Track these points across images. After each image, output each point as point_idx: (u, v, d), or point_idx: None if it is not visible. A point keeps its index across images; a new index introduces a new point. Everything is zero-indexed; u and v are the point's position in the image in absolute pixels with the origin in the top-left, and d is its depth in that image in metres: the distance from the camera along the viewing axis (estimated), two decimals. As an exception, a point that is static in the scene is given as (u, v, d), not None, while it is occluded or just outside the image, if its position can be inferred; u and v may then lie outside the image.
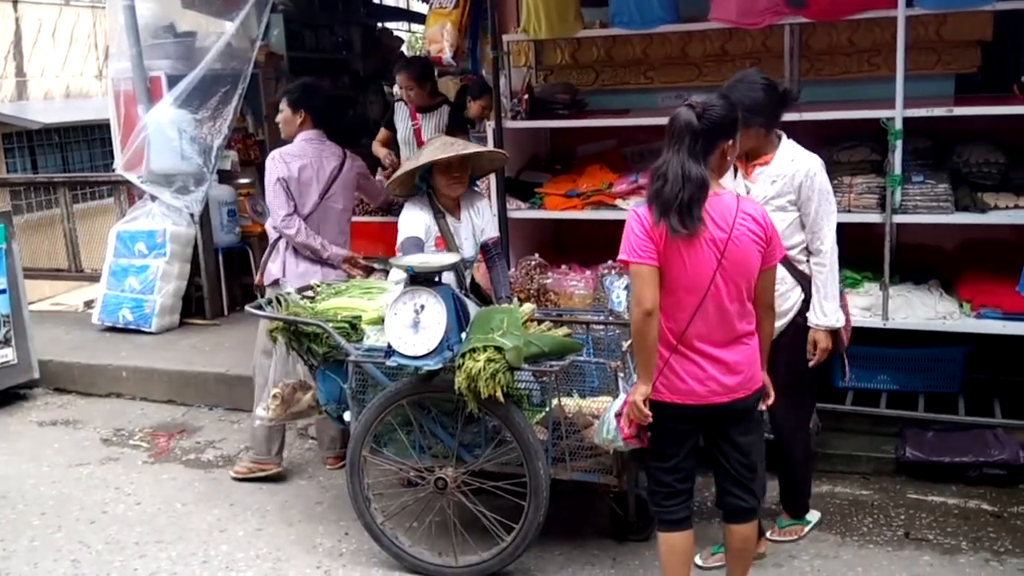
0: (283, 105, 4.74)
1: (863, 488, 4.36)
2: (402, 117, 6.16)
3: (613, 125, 5.33)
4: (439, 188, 4.12)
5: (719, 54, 5.35)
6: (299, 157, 4.63)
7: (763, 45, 5.21)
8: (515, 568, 3.75)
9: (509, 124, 5.16)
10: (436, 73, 6.81)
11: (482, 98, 6.19)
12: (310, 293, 4.28)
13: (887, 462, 4.47)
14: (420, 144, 5.93)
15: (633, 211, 3.03)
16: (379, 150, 6.30)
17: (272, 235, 4.75)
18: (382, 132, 6.36)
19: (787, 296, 3.61)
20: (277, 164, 4.60)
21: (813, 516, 4.02)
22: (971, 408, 4.58)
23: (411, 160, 4.17)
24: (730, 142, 3.03)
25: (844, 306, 3.72)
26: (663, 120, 4.69)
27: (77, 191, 8.35)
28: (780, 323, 3.50)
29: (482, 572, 3.72)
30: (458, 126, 6.05)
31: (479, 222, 4.27)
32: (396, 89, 6.11)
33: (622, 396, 3.44)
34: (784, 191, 3.57)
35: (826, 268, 3.58)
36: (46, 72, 16.68)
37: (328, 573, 3.88)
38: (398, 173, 4.16)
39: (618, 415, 3.23)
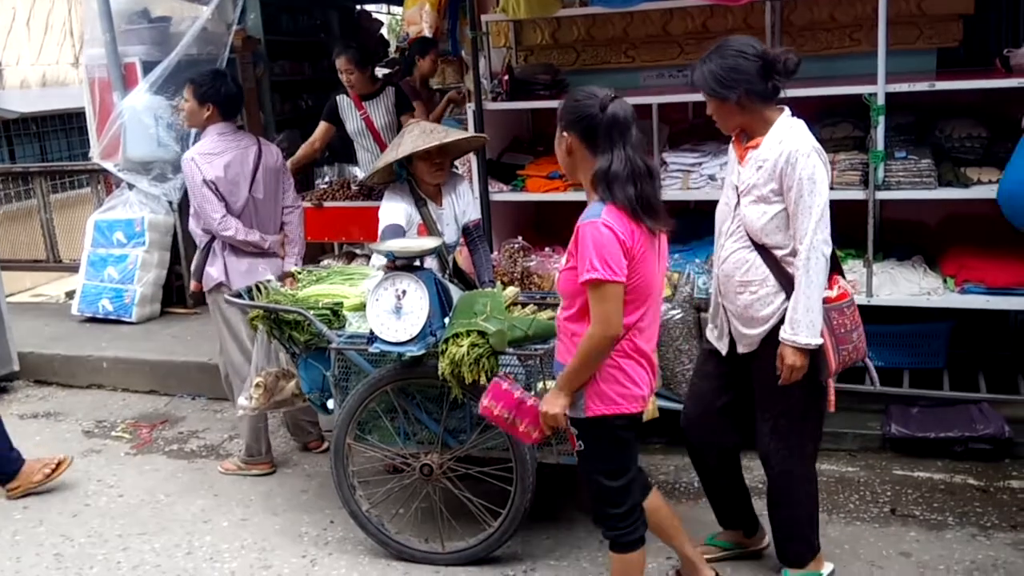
0: (188, 95, 4.46)
1: (849, 465, 4.37)
2: (348, 110, 5.90)
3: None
4: (420, 176, 4.07)
5: (700, 31, 5.31)
6: (220, 154, 4.41)
7: (744, 22, 5.17)
8: (502, 553, 3.74)
9: (489, 106, 5.11)
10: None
11: (429, 53, 6.07)
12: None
13: (873, 439, 4.47)
14: (374, 133, 5.83)
15: (600, 224, 2.70)
16: (304, 152, 5.97)
17: (201, 238, 4.54)
18: (321, 127, 5.98)
19: (767, 301, 3.09)
20: (199, 166, 4.36)
21: (826, 568, 3.41)
22: (956, 383, 4.59)
23: (391, 150, 4.10)
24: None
25: (841, 326, 3.07)
26: (646, 99, 4.75)
27: (54, 181, 8.25)
28: (758, 331, 3.13)
29: (469, 558, 3.70)
30: (407, 107, 5.92)
31: (461, 205, 4.23)
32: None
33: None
34: (767, 179, 3.03)
35: (800, 273, 2.99)
36: (22, 61, 16.46)
37: (314, 562, 3.86)
38: (378, 164, 4.11)
39: (512, 417, 2.97)
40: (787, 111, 3.08)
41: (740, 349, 3.25)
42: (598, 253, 2.68)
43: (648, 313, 2.88)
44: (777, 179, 3.02)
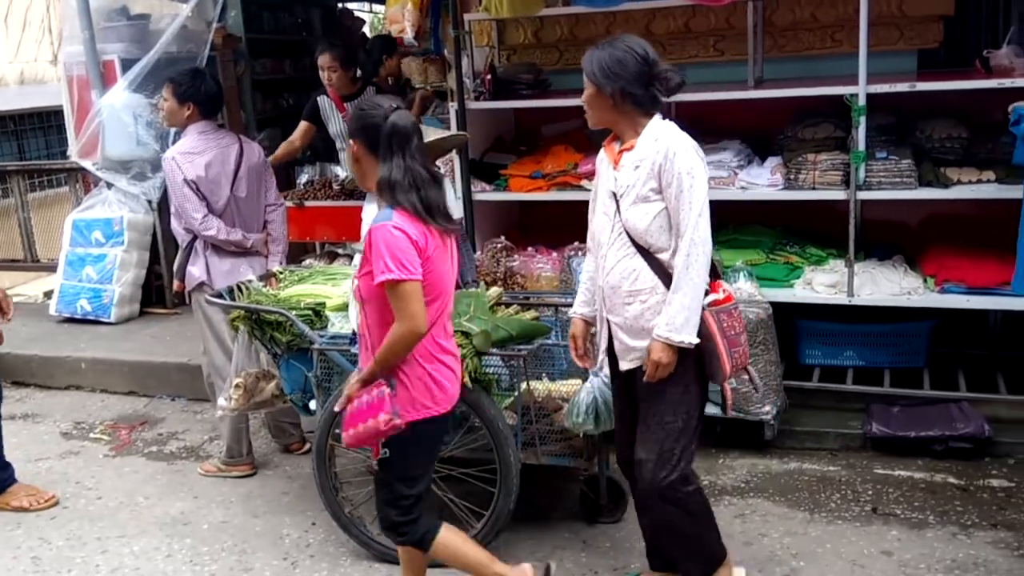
0: (168, 94, 4.39)
1: (831, 464, 4.38)
2: (329, 112, 5.85)
3: (578, 105, 5.16)
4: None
5: (683, 31, 5.32)
6: (201, 153, 4.37)
7: (727, 22, 5.19)
8: (485, 553, 3.72)
9: (472, 105, 5.10)
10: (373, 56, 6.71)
11: (396, 52, 5.93)
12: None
13: (854, 438, 4.49)
14: None
15: (391, 227, 2.79)
16: (283, 151, 5.88)
17: (183, 237, 4.49)
18: (302, 126, 5.91)
19: (657, 310, 2.95)
20: (180, 165, 4.32)
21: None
22: (936, 382, 4.62)
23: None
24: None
25: (731, 328, 2.97)
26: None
27: (32, 180, 8.16)
28: (647, 343, 2.97)
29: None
30: None
31: None
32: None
33: (591, 382, 3.39)
34: (646, 178, 2.95)
35: (679, 269, 2.89)
36: (-1, 58, 16.30)
37: (295, 564, 3.83)
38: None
39: (348, 424, 2.94)
40: (660, 117, 2.99)
41: (624, 365, 3.10)
42: (391, 254, 2.78)
43: (444, 310, 2.99)
44: (656, 176, 2.93)
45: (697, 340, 2.91)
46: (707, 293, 2.98)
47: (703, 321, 2.91)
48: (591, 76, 2.94)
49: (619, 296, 3.04)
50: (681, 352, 2.93)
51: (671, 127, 2.97)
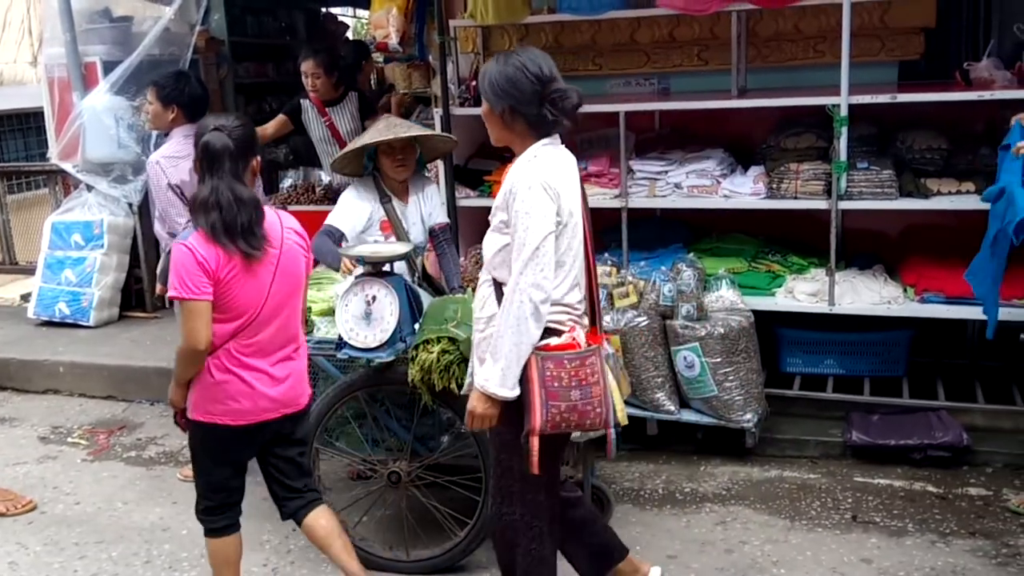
0: (152, 97, 4.40)
1: (811, 472, 4.41)
2: (312, 117, 5.79)
3: (562, 112, 5.27)
4: (384, 170, 4.05)
5: (668, 40, 5.34)
6: (186, 158, 4.23)
7: (711, 32, 5.22)
8: (467, 562, 3.72)
9: (457, 111, 5.10)
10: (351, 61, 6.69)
11: (369, 57, 5.91)
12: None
13: (834, 446, 4.52)
14: (339, 140, 5.76)
15: (182, 245, 2.90)
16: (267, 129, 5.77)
17: (167, 241, 4.42)
18: (279, 119, 5.84)
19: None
20: (164, 169, 4.29)
21: None
22: (915, 391, 4.66)
23: (356, 139, 4.08)
24: (257, 159, 3.13)
25: (556, 379, 2.68)
26: (613, 107, 4.77)
27: (11, 181, 8.08)
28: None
29: (434, 567, 3.68)
30: (371, 112, 5.87)
31: (428, 207, 4.21)
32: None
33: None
34: (500, 208, 2.80)
35: (500, 313, 2.71)
36: (-23, 59, 16.13)
37: (275, 571, 3.81)
38: (342, 152, 4.08)
39: None
40: (546, 141, 2.79)
41: (464, 390, 3.07)
42: (176, 272, 2.90)
43: (253, 329, 3.02)
44: (505, 210, 2.78)
45: (510, 394, 2.70)
46: (553, 334, 2.75)
47: (525, 365, 2.70)
48: (483, 92, 2.82)
49: (476, 319, 2.92)
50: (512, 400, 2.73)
51: (540, 158, 2.76)
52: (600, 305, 2.99)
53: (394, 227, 4.05)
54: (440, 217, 4.29)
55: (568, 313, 2.82)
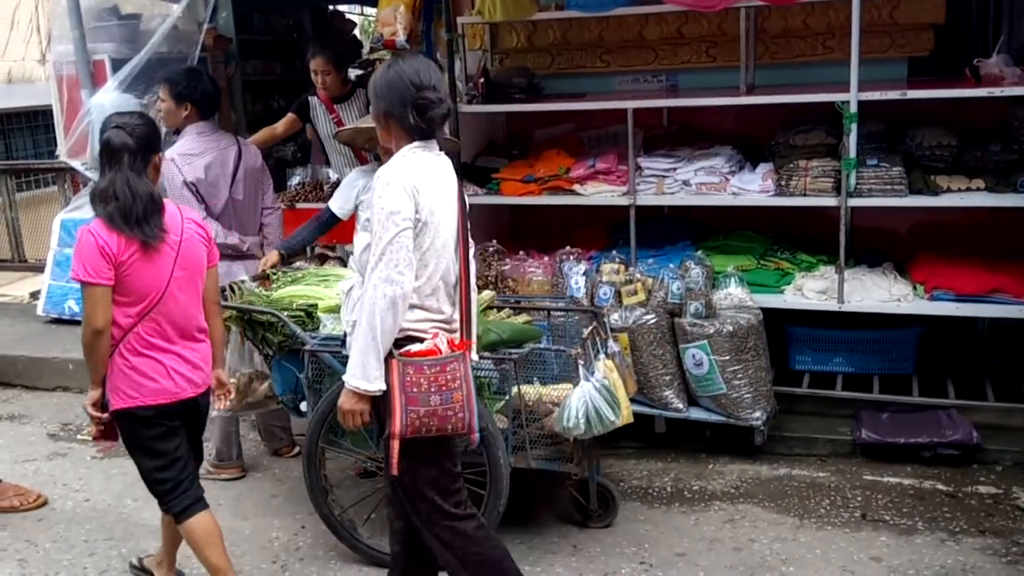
0: (164, 95, 4.38)
1: (820, 470, 4.40)
2: (320, 114, 5.77)
3: (570, 109, 5.29)
4: (382, 155, 4.11)
5: (676, 37, 5.33)
6: (200, 155, 4.36)
7: (719, 28, 5.21)
8: (475, 558, 3.71)
9: (465, 108, 5.10)
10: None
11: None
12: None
13: (843, 444, 4.51)
14: None
15: (87, 230, 3.12)
16: (266, 134, 5.79)
17: None
18: (288, 117, 5.82)
19: None
20: (180, 167, 4.31)
21: None
22: (925, 389, 4.64)
23: (361, 120, 4.19)
24: (159, 155, 3.31)
25: (415, 384, 2.70)
26: (620, 104, 4.77)
27: (20, 179, 8.11)
28: None
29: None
30: None
31: None
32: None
33: (581, 387, 3.43)
34: (365, 207, 2.92)
35: (359, 308, 2.76)
36: (-14, 57, 16.18)
37: (284, 568, 3.81)
38: (348, 127, 4.20)
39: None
40: (418, 144, 2.83)
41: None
42: (78, 256, 3.11)
43: (157, 313, 3.21)
44: (370, 208, 2.83)
45: (373, 388, 2.74)
46: (415, 341, 2.79)
47: (388, 370, 2.74)
48: (370, 94, 2.91)
49: (345, 320, 3.03)
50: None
51: (407, 158, 2.81)
52: (473, 314, 2.97)
53: None
54: None
55: (432, 320, 2.84)
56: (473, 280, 3.01)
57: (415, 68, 2.81)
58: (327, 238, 5.65)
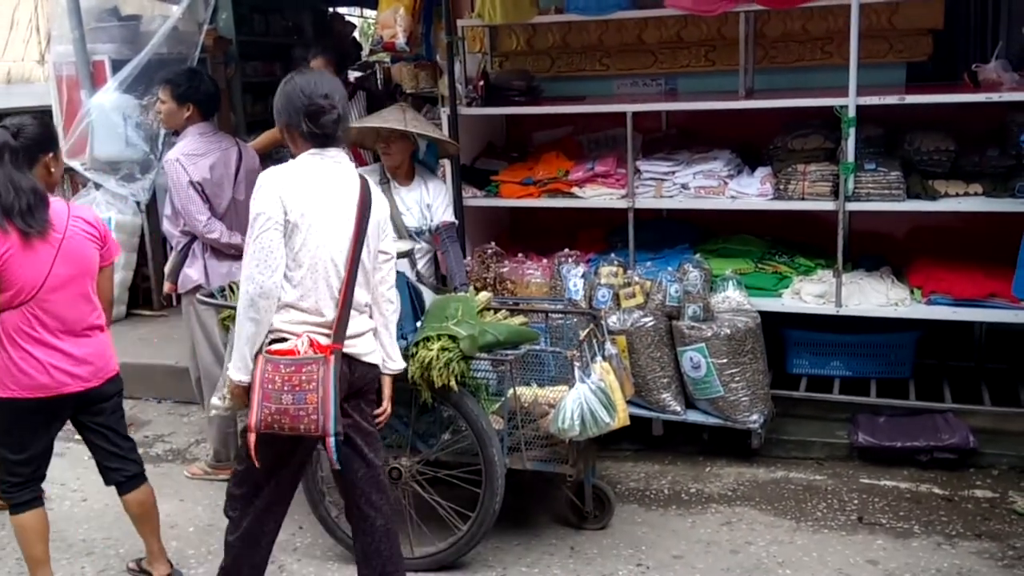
0: (165, 96, 4.37)
1: (817, 473, 4.40)
2: None
3: (569, 112, 5.30)
4: (382, 156, 4.37)
5: (675, 41, 5.34)
6: (204, 155, 4.37)
7: (718, 32, 5.22)
8: (472, 558, 3.72)
9: (464, 111, 5.10)
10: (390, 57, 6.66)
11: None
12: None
13: (840, 447, 4.52)
14: None
15: None
16: (269, 137, 5.74)
17: (179, 240, 4.46)
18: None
19: None
20: (185, 167, 4.30)
21: None
22: (922, 393, 4.64)
23: (361, 119, 4.26)
24: (51, 155, 3.42)
25: (269, 382, 2.83)
26: (620, 107, 4.78)
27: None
28: None
29: (438, 562, 3.68)
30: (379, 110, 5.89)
31: (430, 197, 4.38)
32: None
33: (577, 388, 3.44)
34: None
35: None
36: (-14, 57, 16.18)
37: (282, 568, 3.82)
38: (353, 125, 4.26)
39: None
40: (313, 152, 2.99)
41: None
42: None
43: (37, 306, 3.23)
44: None
45: (241, 379, 2.93)
46: (281, 340, 2.91)
47: (254, 366, 2.89)
48: (273, 110, 3.07)
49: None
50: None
51: (295, 164, 2.99)
52: (350, 319, 2.98)
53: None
54: (446, 215, 4.36)
55: (307, 321, 2.93)
56: (359, 285, 3.01)
57: (308, 80, 3.01)
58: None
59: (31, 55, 17.12)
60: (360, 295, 3.01)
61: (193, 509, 4.34)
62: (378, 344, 3.12)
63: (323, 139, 2.97)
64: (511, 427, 3.64)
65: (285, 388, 2.82)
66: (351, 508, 3.21)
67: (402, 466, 3.65)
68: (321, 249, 2.91)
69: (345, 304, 2.95)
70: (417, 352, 3.43)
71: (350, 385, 3.01)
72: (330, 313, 2.94)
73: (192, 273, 4.44)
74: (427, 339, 3.45)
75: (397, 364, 3.20)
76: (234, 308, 3.83)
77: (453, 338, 3.45)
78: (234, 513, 3.16)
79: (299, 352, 2.86)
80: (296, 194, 2.89)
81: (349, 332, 2.96)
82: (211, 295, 4.04)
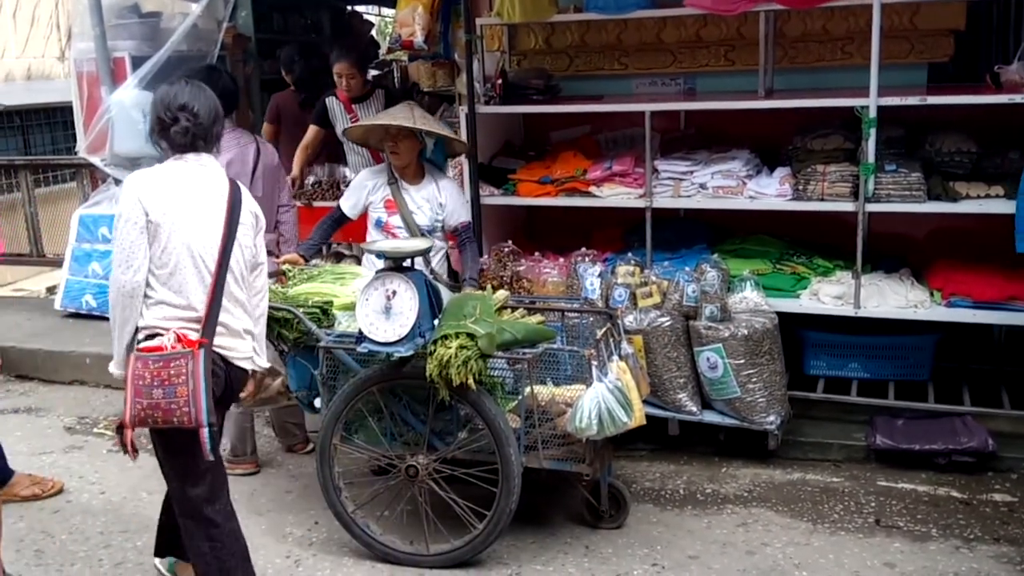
0: None
1: (834, 475, 4.38)
2: (338, 113, 5.86)
3: (587, 111, 5.29)
4: (389, 155, 4.40)
5: (694, 40, 5.32)
6: (222, 152, 4.37)
7: (738, 32, 5.20)
8: (487, 556, 3.73)
9: (482, 109, 5.10)
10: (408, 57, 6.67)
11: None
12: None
13: (858, 449, 4.49)
14: None
15: None
16: (299, 158, 5.97)
17: None
18: (312, 131, 5.98)
19: None
20: None
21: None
22: (940, 396, 4.62)
23: (371, 117, 4.42)
24: None
25: (140, 377, 2.91)
26: (638, 107, 4.78)
27: (39, 175, 8.18)
28: None
29: (454, 560, 3.69)
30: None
31: (442, 197, 4.43)
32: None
33: (594, 387, 3.44)
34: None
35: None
36: (7, 53, 16.30)
37: (298, 563, 3.83)
38: (358, 124, 4.39)
39: None
40: (177, 156, 3.18)
41: None
42: None
43: None
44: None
45: (117, 372, 3.08)
46: (151, 337, 3.00)
47: (126, 363, 3.00)
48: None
49: None
50: None
51: (160, 168, 3.18)
52: (219, 315, 3.07)
53: (398, 206, 4.33)
54: (463, 216, 4.42)
55: (178, 317, 3.03)
56: (231, 282, 3.11)
57: (171, 91, 3.20)
58: (343, 236, 5.70)
59: (51, 52, 17.28)
60: (233, 291, 3.13)
61: (210, 504, 4.35)
62: (252, 345, 3.23)
63: (181, 147, 3.15)
64: (528, 426, 3.64)
65: (155, 383, 2.91)
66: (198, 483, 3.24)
67: (419, 464, 3.66)
68: (187, 247, 3.03)
69: (214, 300, 3.05)
70: (435, 350, 3.43)
71: (226, 385, 3.13)
72: (200, 308, 3.04)
73: None
74: (445, 337, 3.45)
75: (262, 361, 3.30)
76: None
77: (471, 336, 3.45)
78: (188, 519, 3.21)
79: (166, 348, 2.96)
80: (157, 195, 3.04)
81: (222, 330, 3.08)
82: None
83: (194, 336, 3.00)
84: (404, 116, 4.28)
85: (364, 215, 4.56)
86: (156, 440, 3.16)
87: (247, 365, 3.21)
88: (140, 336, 3.02)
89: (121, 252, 3.00)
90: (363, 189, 4.48)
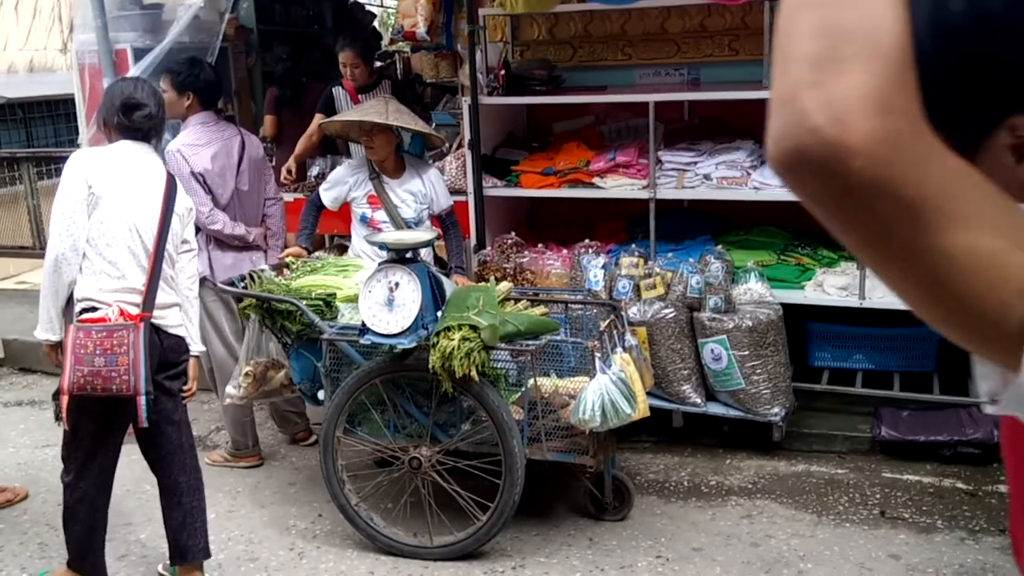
0: (166, 85, 4.33)
1: (839, 467, 4.37)
2: (344, 103, 5.84)
3: (590, 102, 5.27)
4: (366, 150, 4.39)
5: (698, 30, 5.29)
6: (206, 145, 4.35)
7: (742, 21, 5.17)
8: (491, 548, 3.72)
9: (485, 100, 5.08)
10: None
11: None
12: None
13: (862, 441, 4.48)
14: None
15: None
16: (302, 145, 5.86)
17: None
18: (318, 118, 5.79)
19: None
20: (186, 158, 4.29)
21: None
22: (946, 387, 4.60)
23: (343, 112, 4.28)
24: None
25: (82, 347, 3.05)
26: (642, 97, 4.75)
27: (42, 167, 8.16)
28: None
29: (457, 552, 3.68)
30: (401, 99, 5.87)
31: (427, 187, 4.42)
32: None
33: (598, 379, 3.43)
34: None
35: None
36: (9, 46, 16.29)
37: (301, 555, 3.83)
38: (336, 118, 4.43)
39: None
40: (123, 142, 3.33)
41: None
42: None
43: None
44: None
45: (48, 338, 3.27)
46: (91, 310, 3.17)
47: (65, 333, 3.15)
48: (99, 109, 3.44)
49: None
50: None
51: (105, 149, 3.35)
52: (156, 291, 3.26)
53: (382, 201, 4.32)
54: (446, 202, 4.46)
55: (115, 289, 3.20)
56: (166, 261, 3.31)
57: (129, 84, 3.40)
58: (344, 228, 5.70)
59: (53, 44, 17.25)
60: (166, 270, 3.31)
61: (214, 496, 4.33)
62: (184, 319, 3.42)
63: (133, 132, 3.31)
64: (531, 417, 3.63)
65: (97, 352, 3.05)
66: (156, 471, 3.51)
67: (422, 456, 3.65)
68: (127, 223, 3.21)
69: (153, 276, 3.24)
70: (438, 342, 3.42)
71: (161, 355, 3.28)
72: (139, 283, 3.22)
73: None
74: (448, 329, 3.44)
75: (197, 347, 3.51)
76: (254, 296, 3.87)
77: (474, 328, 3.44)
78: (68, 477, 3.38)
79: (110, 320, 3.14)
80: (101, 171, 3.22)
81: (157, 303, 3.26)
82: (232, 283, 4.06)
83: (135, 311, 3.18)
84: (376, 112, 4.24)
85: (345, 206, 4.54)
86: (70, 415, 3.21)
87: (181, 332, 3.38)
88: (78, 308, 3.18)
89: (60, 221, 3.17)
90: (344, 185, 4.42)
